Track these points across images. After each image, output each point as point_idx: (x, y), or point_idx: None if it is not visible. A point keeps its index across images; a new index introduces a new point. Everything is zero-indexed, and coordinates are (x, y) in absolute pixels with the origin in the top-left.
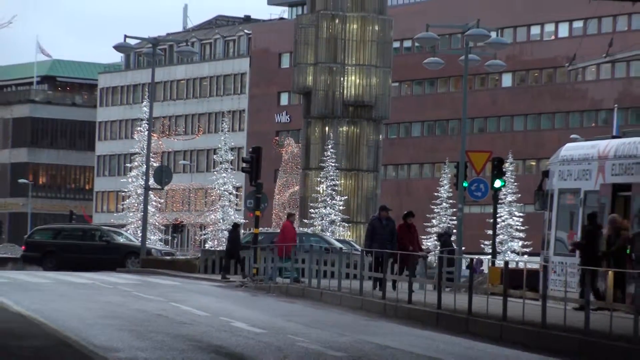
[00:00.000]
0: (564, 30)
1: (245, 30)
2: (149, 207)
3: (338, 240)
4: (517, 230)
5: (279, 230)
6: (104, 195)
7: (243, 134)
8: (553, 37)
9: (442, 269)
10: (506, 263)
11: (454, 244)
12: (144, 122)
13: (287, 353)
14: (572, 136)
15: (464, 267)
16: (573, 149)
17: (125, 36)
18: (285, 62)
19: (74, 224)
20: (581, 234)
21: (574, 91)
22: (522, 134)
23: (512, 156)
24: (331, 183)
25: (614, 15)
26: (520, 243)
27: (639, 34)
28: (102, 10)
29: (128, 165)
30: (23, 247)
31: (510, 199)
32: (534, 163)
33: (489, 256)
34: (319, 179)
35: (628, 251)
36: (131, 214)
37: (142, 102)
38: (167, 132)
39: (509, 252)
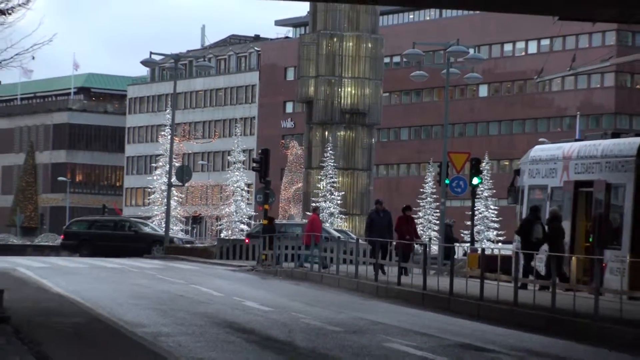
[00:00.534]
0: (532, 47)
1: (255, 48)
2: (172, 202)
3: (336, 230)
4: (492, 221)
5: (285, 222)
6: (132, 191)
7: (253, 137)
8: (523, 54)
9: (426, 255)
10: (483, 250)
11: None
12: (167, 127)
13: (292, 328)
14: (540, 139)
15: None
16: (541, 150)
17: (151, 53)
18: (290, 75)
19: (106, 216)
20: (520, 224)
21: (542, 100)
22: (496, 137)
23: (487, 157)
24: (330, 180)
25: (577, 34)
26: (495, 233)
27: (598, 51)
28: (131, 30)
29: (153, 165)
30: (62, 237)
31: (487, 194)
32: (507, 163)
33: (468, 244)
34: (319, 177)
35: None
36: (156, 208)
37: (166, 110)
38: (187, 136)
39: (485, 241)
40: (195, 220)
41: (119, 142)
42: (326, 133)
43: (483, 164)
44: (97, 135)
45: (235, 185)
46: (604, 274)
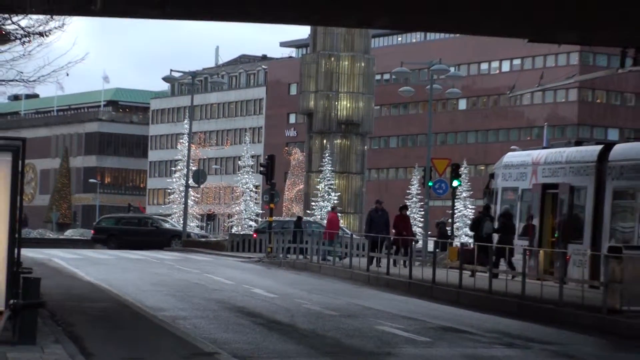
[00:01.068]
0: (505, 66)
1: (263, 66)
2: (189, 201)
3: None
4: (470, 219)
5: (288, 219)
6: (154, 192)
7: (261, 145)
8: (497, 72)
9: (412, 249)
10: (462, 244)
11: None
12: (185, 135)
13: (294, 312)
14: (512, 147)
15: (430, 247)
16: (513, 156)
17: (171, 70)
18: (293, 90)
19: (132, 213)
20: (472, 221)
21: (513, 113)
22: (473, 145)
23: (466, 162)
24: (328, 183)
25: (544, 55)
26: None
27: (563, 69)
28: (154, 50)
29: (173, 168)
30: (92, 232)
31: (465, 195)
32: (483, 167)
33: (449, 239)
34: (318, 180)
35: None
36: (175, 206)
37: (184, 120)
38: (202, 144)
39: (464, 236)
40: (210, 217)
41: (142, 148)
42: (324, 141)
43: (462, 169)
44: (124, 142)
45: (245, 186)
46: (567, 265)
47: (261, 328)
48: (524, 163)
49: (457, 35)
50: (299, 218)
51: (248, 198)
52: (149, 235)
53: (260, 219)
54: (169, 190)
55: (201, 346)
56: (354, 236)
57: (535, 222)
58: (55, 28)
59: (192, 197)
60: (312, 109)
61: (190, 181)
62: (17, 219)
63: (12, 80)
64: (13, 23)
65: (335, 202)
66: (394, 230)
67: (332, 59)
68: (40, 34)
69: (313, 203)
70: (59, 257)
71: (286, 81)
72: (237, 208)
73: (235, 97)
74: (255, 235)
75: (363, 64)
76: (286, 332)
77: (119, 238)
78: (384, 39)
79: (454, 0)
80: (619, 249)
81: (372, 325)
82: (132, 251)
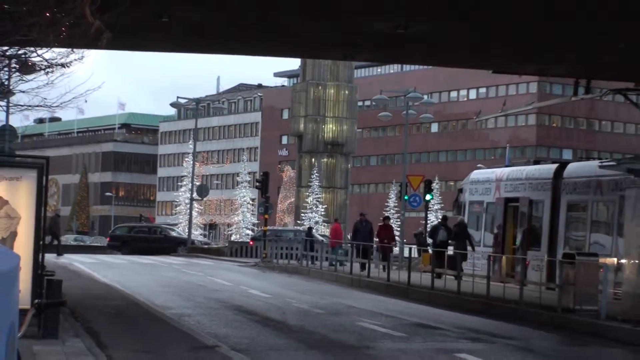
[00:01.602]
0: (472, 94)
1: (259, 93)
2: (193, 212)
3: (320, 235)
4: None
5: (281, 228)
6: (163, 204)
7: (256, 163)
8: (465, 99)
9: (389, 255)
10: (434, 251)
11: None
12: (190, 154)
13: (285, 311)
14: (478, 165)
15: (406, 253)
16: (479, 174)
17: (178, 97)
18: (285, 115)
19: (143, 223)
20: (429, 230)
21: (479, 135)
22: (444, 163)
23: (437, 178)
24: (315, 196)
25: (506, 84)
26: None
27: (524, 97)
28: (163, 79)
29: (179, 183)
30: (108, 239)
31: (436, 207)
32: (452, 183)
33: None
34: (307, 194)
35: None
36: (181, 217)
37: (189, 141)
38: (205, 162)
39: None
40: (211, 226)
41: (152, 166)
42: (313, 160)
43: (434, 184)
44: (136, 160)
45: (242, 199)
46: (527, 270)
47: (256, 324)
48: (488, 179)
49: (430, 67)
50: (310, 228)
51: (245, 210)
52: (158, 242)
53: (256, 228)
54: (175, 203)
55: (204, 340)
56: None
57: (498, 232)
58: (75, 60)
59: (196, 209)
60: (302, 132)
61: (195, 195)
62: (43, 228)
63: (37, 106)
64: (38, 55)
65: (322, 213)
66: (377, 239)
67: (320, 87)
68: (62, 65)
69: (302, 214)
70: (78, 262)
71: (279, 107)
72: (236, 218)
73: (234, 120)
74: (251, 243)
75: (347, 92)
76: (278, 328)
77: (132, 245)
78: (365, 69)
79: (427, 37)
80: (572, 255)
81: (354, 322)
82: (143, 256)
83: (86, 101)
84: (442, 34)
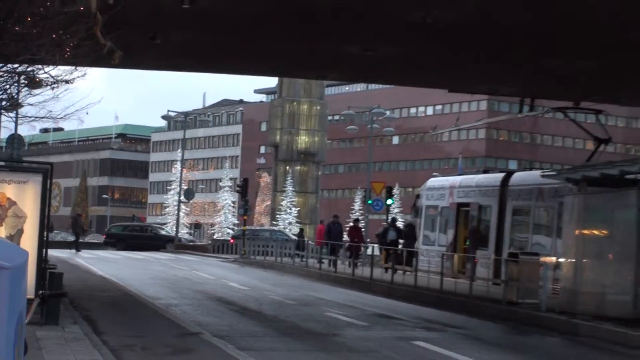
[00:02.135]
0: (429, 110)
1: (240, 108)
2: (180, 213)
3: (294, 235)
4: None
5: (258, 228)
6: (153, 205)
7: (237, 170)
8: (423, 115)
9: (358, 253)
10: (384, 249)
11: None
12: (178, 162)
13: (261, 301)
14: (433, 174)
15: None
16: (435, 181)
17: (168, 110)
18: (264, 127)
19: (135, 222)
20: (381, 230)
21: (435, 147)
22: (404, 172)
23: (398, 185)
24: (289, 200)
25: (460, 102)
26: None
27: (475, 114)
28: (155, 94)
29: (168, 187)
30: (104, 236)
31: (397, 211)
32: (411, 189)
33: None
34: (282, 197)
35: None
36: (169, 217)
37: (177, 150)
38: (192, 168)
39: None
40: (196, 226)
41: (144, 171)
42: (287, 167)
43: (394, 190)
44: (130, 166)
45: (224, 202)
46: (476, 267)
47: (235, 313)
48: (443, 186)
49: (392, 86)
50: (301, 230)
51: (227, 211)
52: (148, 240)
53: (236, 228)
54: (164, 204)
55: (189, 327)
56: (310, 242)
57: (451, 233)
58: (78, 77)
59: (183, 210)
60: (278, 142)
61: (182, 197)
62: (46, 226)
63: (43, 117)
64: (45, 72)
65: (295, 215)
66: (347, 238)
67: (294, 103)
68: (66, 81)
69: (278, 216)
70: (78, 256)
71: (258, 120)
72: (218, 219)
73: (218, 132)
74: (232, 241)
75: (318, 107)
76: (255, 316)
77: (125, 242)
78: (335, 87)
79: (391, 60)
80: (516, 254)
81: (323, 312)
82: (135, 252)
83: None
84: (404, 57)
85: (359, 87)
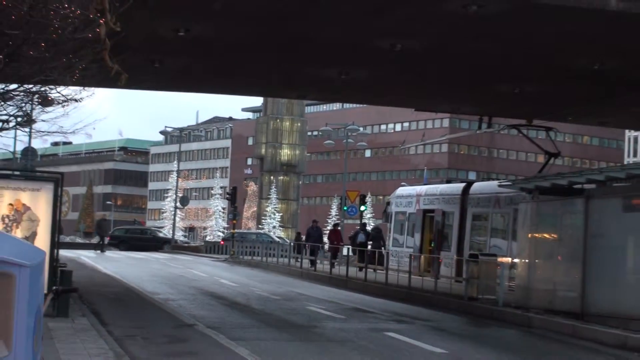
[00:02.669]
0: (398, 127)
1: (229, 125)
2: (176, 218)
3: (277, 237)
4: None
5: (246, 231)
6: (152, 211)
7: (227, 179)
8: (392, 131)
9: (337, 254)
10: (366, 250)
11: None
12: (174, 172)
13: (249, 297)
14: (402, 183)
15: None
16: (403, 190)
17: (165, 126)
18: (250, 141)
19: (136, 226)
20: (352, 233)
21: (404, 160)
22: (375, 181)
23: (370, 194)
24: (273, 206)
25: (425, 120)
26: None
27: (439, 130)
28: (154, 111)
29: (165, 195)
30: (108, 238)
31: (369, 216)
32: (382, 197)
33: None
34: (267, 204)
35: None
36: (166, 221)
37: (173, 161)
38: (186, 178)
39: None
40: (191, 229)
41: (144, 180)
42: (271, 177)
43: (367, 198)
44: (131, 176)
45: (215, 208)
46: (440, 266)
47: (226, 307)
48: (410, 194)
49: (365, 105)
50: (298, 233)
51: (218, 216)
52: (148, 241)
53: (226, 231)
54: (162, 210)
55: (185, 320)
56: (291, 244)
57: (418, 236)
58: (87, 96)
59: (179, 215)
60: (263, 155)
61: (178, 204)
62: (57, 229)
63: (54, 132)
64: (57, 92)
65: (279, 220)
66: (327, 241)
67: (278, 120)
68: (76, 100)
69: (263, 220)
70: (85, 256)
71: (246, 135)
72: (210, 223)
73: (210, 145)
74: (222, 242)
75: (299, 124)
76: (244, 310)
77: (127, 243)
78: (314, 106)
79: (364, 82)
80: (476, 255)
81: (304, 306)
82: (136, 252)
83: (94, 128)
84: (376, 80)
85: (336, 106)
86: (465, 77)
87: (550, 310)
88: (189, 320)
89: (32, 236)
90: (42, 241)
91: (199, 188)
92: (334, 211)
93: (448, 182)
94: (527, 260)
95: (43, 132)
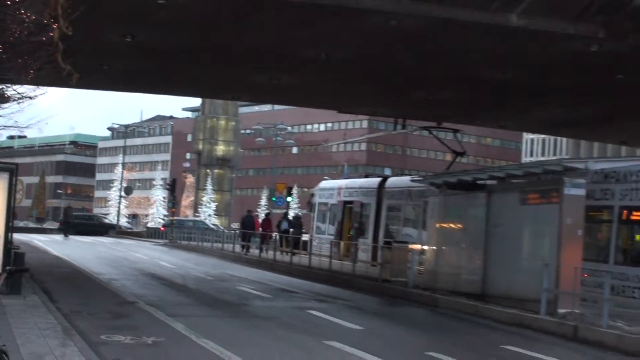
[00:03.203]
0: (322, 127)
1: (170, 122)
2: (121, 206)
3: (212, 224)
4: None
5: (184, 218)
6: (99, 199)
7: (167, 171)
8: (317, 130)
9: (268, 240)
10: (287, 236)
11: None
12: (119, 164)
13: (186, 277)
14: (324, 177)
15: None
16: (326, 183)
17: (112, 123)
18: (189, 138)
19: (84, 212)
20: (277, 222)
21: (327, 156)
22: (301, 175)
23: (296, 186)
24: (209, 197)
25: (347, 121)
26: None
27: (359, 130)
28: (102, 108)
29: (111, 185)
30: (58, 223)
31: (295, 206)
32: (307, 190)
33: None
34: (203, 194)
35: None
36: (112, 209)
37: (119, 155)
38: (131, 170)
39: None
40: (134, 216)
41: (92, 172)
42: (208, 170)
43: (293, 190)
44: (81, 168)
45: (157, 197)
46: (358, 252)
47: (165, 287)
48: (332, 187)
49: (293, 106)
50: (243, 222)
51: (159, 205)
52: (94, 227)
53: (166, 218)
54: (108, 199)
55: (127, 297)
56: (225, 230)
57: (338, 225)
58: (40, 94)
59: (123, 203)
60: (201, 150)
61: (122, 193)
62: (11, 214)
63: (10, 127)
64: (13, 90)
65: (214, 209)
66: (261, 229)
67: (214, 119)
68: (30, 97)
69: (199, 209)
70: (37, 240)
71: (185, 132)
72: (152, 211)
73: (152, 141)
74: (162, 229)
75: (234, 123)
76: (181, 289)
77: (76, 228)
78: (247, 107)
79: (293, 87)
80: (390, 242)
81: (235, 286)
82: (84, 237)
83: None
84: (303, 85)
85: (267, 107)
86: (384, 84)
87: (455, 292)
88: (131, 298)
89: None
90: None
91: (142, 179)
92: (263, 202)
93: (366, 176)
94: (435, 248)
95: (0, 126)
